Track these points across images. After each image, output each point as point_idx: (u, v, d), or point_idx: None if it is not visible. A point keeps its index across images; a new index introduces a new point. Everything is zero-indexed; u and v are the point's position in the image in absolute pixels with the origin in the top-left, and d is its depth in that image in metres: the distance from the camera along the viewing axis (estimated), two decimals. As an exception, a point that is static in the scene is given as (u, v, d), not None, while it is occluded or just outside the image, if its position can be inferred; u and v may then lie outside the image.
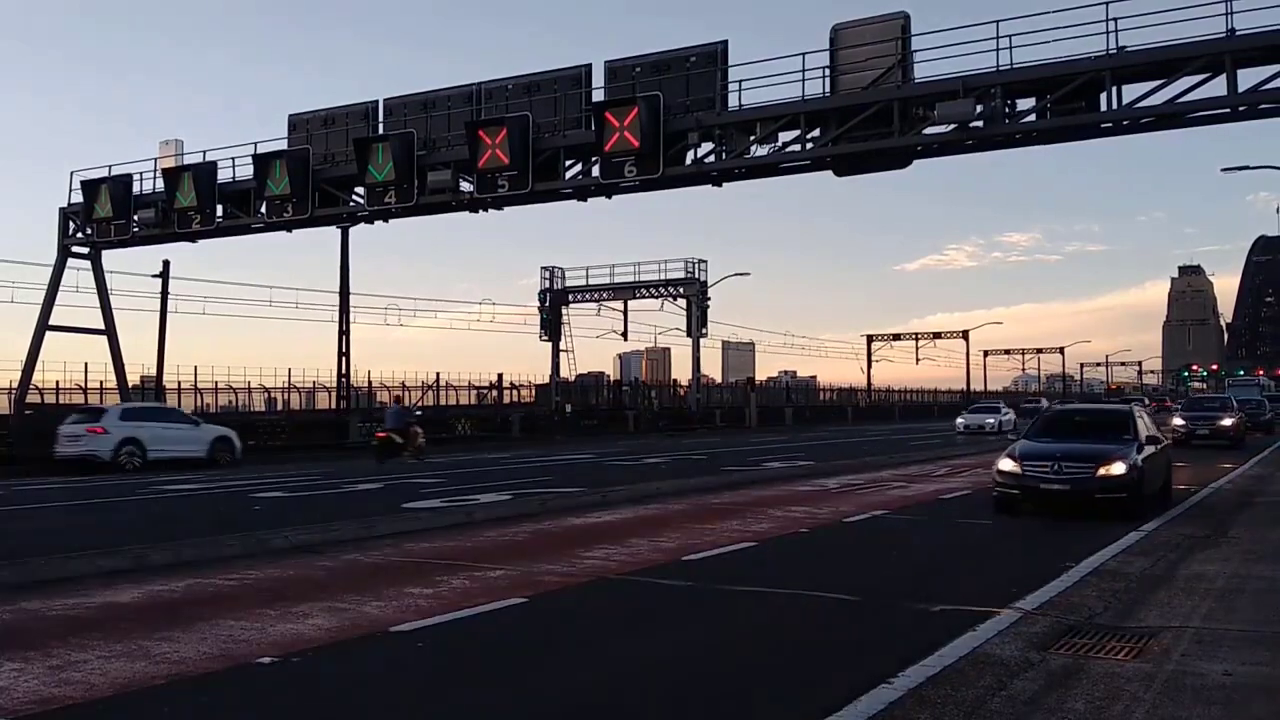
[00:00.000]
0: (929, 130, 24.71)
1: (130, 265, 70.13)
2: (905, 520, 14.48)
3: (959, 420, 49.62)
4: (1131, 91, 22.96)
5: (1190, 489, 17.36)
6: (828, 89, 25.08)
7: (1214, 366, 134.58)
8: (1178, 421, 31.78)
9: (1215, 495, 16.81)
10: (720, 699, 5.88)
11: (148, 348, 46.94)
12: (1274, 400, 55.34)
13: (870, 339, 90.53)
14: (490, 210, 30.09)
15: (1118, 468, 13.16)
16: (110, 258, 36.46)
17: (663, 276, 54.56)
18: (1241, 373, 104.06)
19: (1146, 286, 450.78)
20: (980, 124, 23.90)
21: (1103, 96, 22.92)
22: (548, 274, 55.87)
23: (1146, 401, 73.37)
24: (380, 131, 30.05)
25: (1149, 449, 14.13)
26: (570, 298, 56.45)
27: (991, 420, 46.98)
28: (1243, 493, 17.22)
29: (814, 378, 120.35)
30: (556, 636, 7.50)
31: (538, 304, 55.90)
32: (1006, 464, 13.96)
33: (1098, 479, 13.15)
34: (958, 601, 8.14)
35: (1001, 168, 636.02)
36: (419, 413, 34.17)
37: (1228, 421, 31.49)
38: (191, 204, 31.83)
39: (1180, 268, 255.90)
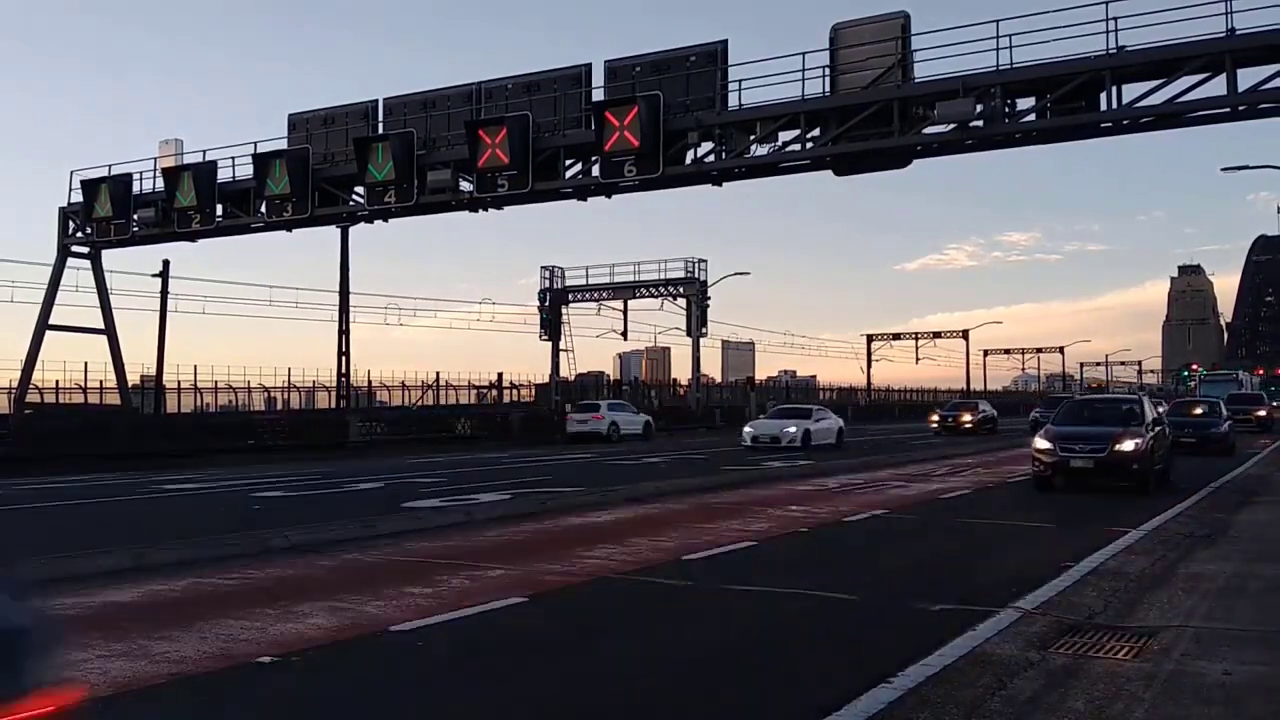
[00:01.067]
0: (929, 130, 24.75)
1: (130, 265, 70.02)
2: (904, 520, 14.47)
3: (746, 430, 34.34)
4: (1131, 91, 23.04)
5: None
6: (828, 89, 25.13)
7: (1214, 366, 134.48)
8: (1042, 445, 18.01)
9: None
10: (720, 698, 5.88)
11: (148, 347, 47.03)
12: (1247, 403, 44.13)
13: (870, 338, 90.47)
14: (490, 210, 30.15)
15: None
16: (110, 257, 36.56)
17: (662, 276, 54.50)
18: (1240, 371, 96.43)
19: (1146, 286, 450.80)
20: (980, 124, 23.96)
21: (1102, 96, 22.97)
22: (548, 274, 55.83)
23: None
24: (380, 131, 30.09)
25: None
26: (570, 297, 56.41)
27: (794, 429, 32.31)
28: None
29: (814, 377, 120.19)
30: (556, 636, 7.51)
31: (538, 304, 55.84)
32: None
33: None
34: (958, 601, 8.15)
35: (1001, 168, 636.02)
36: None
37: (1129, 445, 17.24)
38: (191, 204, 31.87)
39: (1180, 267, 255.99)
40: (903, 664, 6.08)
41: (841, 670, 6.30)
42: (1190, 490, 17.01)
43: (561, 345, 56.02)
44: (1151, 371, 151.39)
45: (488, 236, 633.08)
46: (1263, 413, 43.58)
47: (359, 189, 30.45)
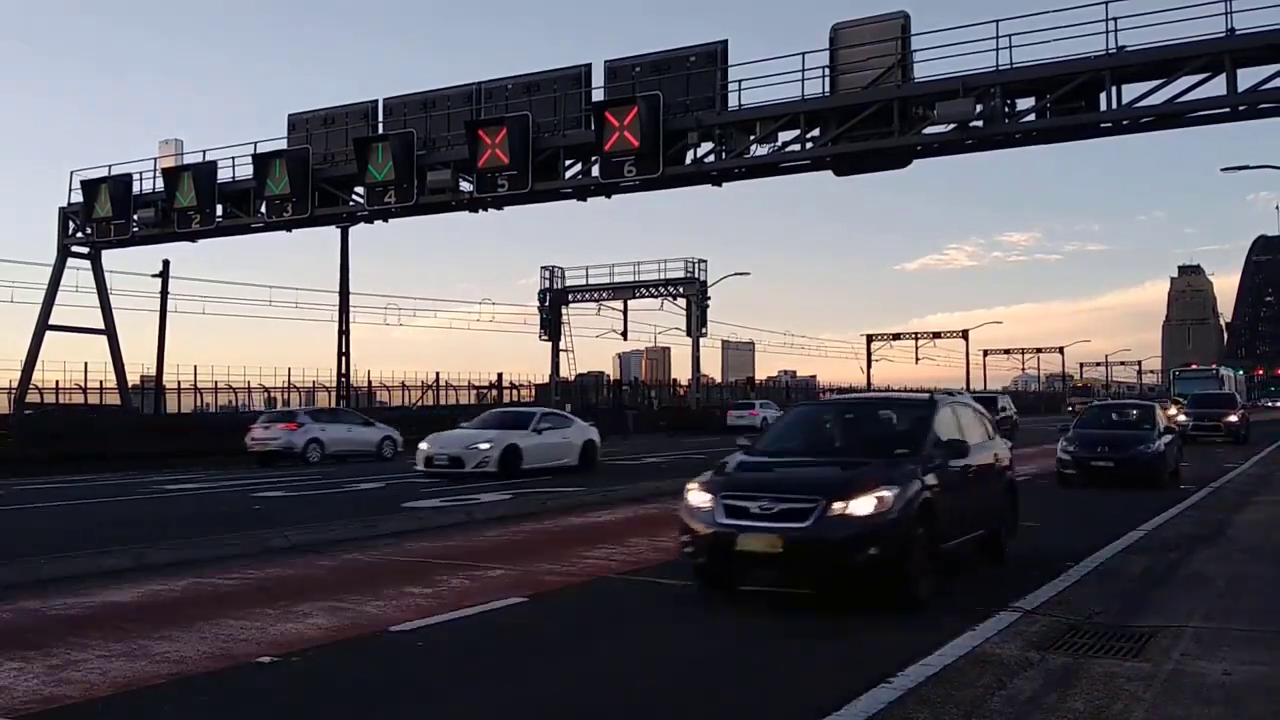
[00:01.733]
0: (929, 130, 24.74)
1: (130, 265, 69.87)
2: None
3: (421, 447, 22.69)
4: (1131, 91, 23.01)
5: None
6: (828, 89, 25.11)
7: (1212, 364, 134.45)
8: (698, 499, 8.55)
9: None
10: (720, 698, 5.88)
11: (148, 347, 47.03)
12: (1216, 405, 35.09)
13: (870, 339, 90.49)
14: (490, 210, 30.14)
15: None
16: (110, 258, 36.53)
17: (662, 276, 54.53)
18: (1224, 368, 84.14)
19: (1146, 286, 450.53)
20: (980, 124, 23.94)
21: (1102, 96, 22.95)
22: (548, 274, 55.86)
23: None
24: (380, 131, 30.08)
25: None
26: (570, 297, 56.44)
27: (486, 445, 21.51)
28: None
29: (814, 377, 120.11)
30: (556, 636, 7.51)
31: (538, 304, 55.88)
32: None
33: None
34: (957, 600, 8.15)
35: (1001, 168, 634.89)
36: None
37: (863, 506, 7.76)
38: (191, 204, 31.86)
39: (1180, 267, 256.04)
40: (903, 664, 6.08)
41: (842, 670, 6.30)
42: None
43: (561, 345, 56.10)
44: (1151, 371, 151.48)
45: (488, 236, 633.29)
46: (1234, 418, 33.41)
47: (359, 189, 30.44)
